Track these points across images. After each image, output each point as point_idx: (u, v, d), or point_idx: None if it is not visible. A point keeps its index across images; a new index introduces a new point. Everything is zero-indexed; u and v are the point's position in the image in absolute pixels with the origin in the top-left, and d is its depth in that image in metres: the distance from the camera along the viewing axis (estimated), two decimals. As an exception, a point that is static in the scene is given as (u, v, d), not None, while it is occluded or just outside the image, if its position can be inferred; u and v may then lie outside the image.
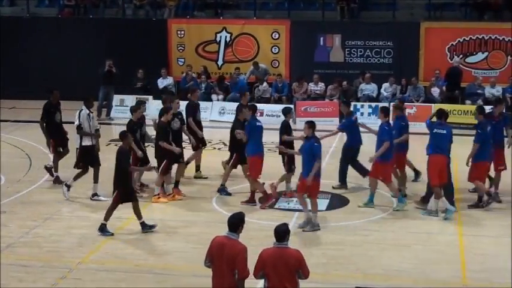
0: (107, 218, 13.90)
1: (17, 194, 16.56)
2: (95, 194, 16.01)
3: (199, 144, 17.45)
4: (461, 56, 26.20)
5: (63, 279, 11.87)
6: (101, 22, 29.31)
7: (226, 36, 28.06)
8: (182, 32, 28.33)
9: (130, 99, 26.30)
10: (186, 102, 17.96)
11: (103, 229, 13.88)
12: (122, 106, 26.26)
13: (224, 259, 8.77)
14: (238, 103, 18.30)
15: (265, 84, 26.43)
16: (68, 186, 16.07)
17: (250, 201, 15.66)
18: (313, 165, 13.71)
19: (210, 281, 9.05)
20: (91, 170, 16.26)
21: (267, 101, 25.90)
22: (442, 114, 15.40)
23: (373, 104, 24.39)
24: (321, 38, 27.34)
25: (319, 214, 14.93)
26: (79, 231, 14.15)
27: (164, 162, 15.76)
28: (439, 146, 14.88)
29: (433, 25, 26.89)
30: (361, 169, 16.76)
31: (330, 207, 15.66)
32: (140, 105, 16.71)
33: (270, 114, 24.25)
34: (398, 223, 14.65)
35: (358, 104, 24.63)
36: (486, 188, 15.73)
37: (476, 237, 13.85)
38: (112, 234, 13.84)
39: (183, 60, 28.32)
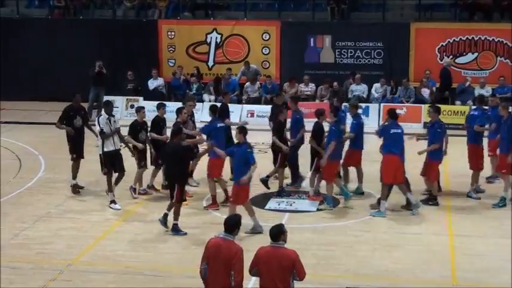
0: (176, 217, 13.93)
1: (7, 195, 16.48)
2: (112, 201, 15.55)
3: None
4: (451, 56, 26.27)
5: (53, 281, 11.84)
6: (91, 23, 29.26)
7: (216, 37, 28.05)
8: (172, 33, 28.31)
9: (121, 101, 26.33)
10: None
11: (175, 229, 13.93)
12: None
13: (221, 260, 8.76)
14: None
15: (257, 84, 26.40)
16: (112, 201, 15.57)
17: (217, 202, 15.62)
18: (246, 170, 13.69)
19: (200, 282, 9.04)
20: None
21: (257, 101, 25.89)
22: (396, 114, 15.72)
23: (364, 105, 24.38)
24: (311, 39, 27.36)
25: (310, 214, 15.02)
26: (69, 233, 14.11)
27: None
28: (395, 146, 14.97)
29: (423, 26, 26.93)
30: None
31: (320, 208, 15.65)
32: (161, 106, 16.57)
33: (260, 115, 24.26)
34: (388, 224, 14.66)
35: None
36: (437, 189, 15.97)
37: (467, 238, 13.88)
38: (185, 234, 13.89)
39: (173, 61, 28.30)
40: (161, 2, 29.29)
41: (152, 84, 26.87)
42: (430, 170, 15.70)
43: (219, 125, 15.77)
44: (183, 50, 28.23)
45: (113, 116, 15.84)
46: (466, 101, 24.88)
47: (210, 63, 28.20)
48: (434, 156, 15.62)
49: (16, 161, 19.61)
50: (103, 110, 15.94)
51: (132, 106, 25.43)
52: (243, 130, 14.04)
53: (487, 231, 14.25)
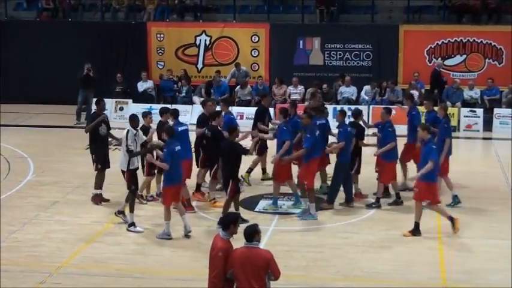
0: (225, 211, 13.89)
1: (-4, 198, 16.44)
2: (131, 224, 14.34)
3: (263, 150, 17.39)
4: (439, 58, 26.36)
5: (43, 284, 11.80)
6: (80, 26, 29.22)
7: (205, 40, 28.05)
8: (162, 36, 28.28)
9: (110, 103, 26.24)
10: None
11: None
12: (102, 110, 26.19)
13: (211, 255, 8.96)
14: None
15: (248, 87, 26.38)
16: (132, 224, 14.39)
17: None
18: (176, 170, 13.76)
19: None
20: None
21: (248, 103, 25.89)
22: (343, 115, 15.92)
23: (353, 107, 24.37)
24: (301, 41, 27.39)
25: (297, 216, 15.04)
26: (58, 235, 14.07)
27: (215, 167, 15.61)
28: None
29: (412, 28, 27.02)
30: None
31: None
32: (169, 111, 16.10)
33: (250, 117, 24.18)
34: (378, 225, 14.69)
35: (338, 107, 24.63)
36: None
37: (456, 239, 13.92)
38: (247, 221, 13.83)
39: (162, 63, 28.27)
40: (150, 5, 29.29)
41: (142, 86, 26.85)
42: (387, 171, 15.60)
43: (180, 128, 15.30)
44: (172, 52, 28.19)
45: (138, 130, 14.87)
46: (454, 102, 24.95)
47: (199, 65, 28.18)
48: (390, 157, 15.55)
49: (5, 164, 19.52)
50: (129, 124, 14.91)
51: (121, 108, 25.41)
52: (167, 130, 14.05)
53: (476, 232, 14.30)
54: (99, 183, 16.04)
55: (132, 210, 14.37)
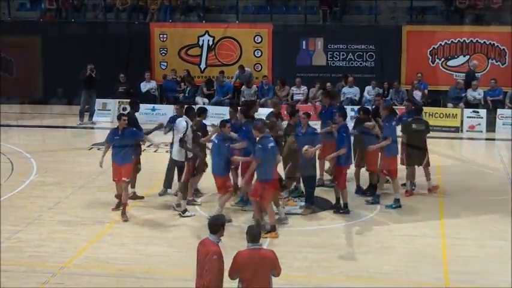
0: (277, 205, 14.51)
1: (-1, 198, 16.45)
2: (185, 211, 15.07)
3: None
4: (443, 59, 26.37)
5: (45, 284, 11.80)
6: (83, 26, 29.22)
7: (208, 40, 28.07)
8: (165, 36, 28.31)
9: (113, 103, 26.33)
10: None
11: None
12: (105, 110, 26.25)
13: (199, 259, 8.94)
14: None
15: (254, 87, 26.38)
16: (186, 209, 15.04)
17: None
18: None
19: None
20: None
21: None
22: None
23: (356, 108, 24.37)
24: (303, 42, 27.41)
25: (301, 217, 15.02)
26: (61, 235, 14.07)
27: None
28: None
29: (415, 28, 27.03)
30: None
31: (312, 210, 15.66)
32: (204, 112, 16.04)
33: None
34: (381, 226, 14.68)
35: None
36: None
37: (459, 240, 13.91)
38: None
39: (165, 64, 28.29)
40: (153, 5, 29.31)
41: (144, 87, 26.88)
42: (339, 176, 15.26)
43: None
44: (175, 52, 28.24)
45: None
46: (457, 103, 24.93)
47: (202, 65, 28.21)
48: (343, 161, 15.18)
49: (8, 164, 19.54)
50: (186, 115, 15.17)
51: (124, 109, 25.35)
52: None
53: (479, 233, 14.28)
54: (134, 182, 16.06)
55: (185, 198, 14.97)
